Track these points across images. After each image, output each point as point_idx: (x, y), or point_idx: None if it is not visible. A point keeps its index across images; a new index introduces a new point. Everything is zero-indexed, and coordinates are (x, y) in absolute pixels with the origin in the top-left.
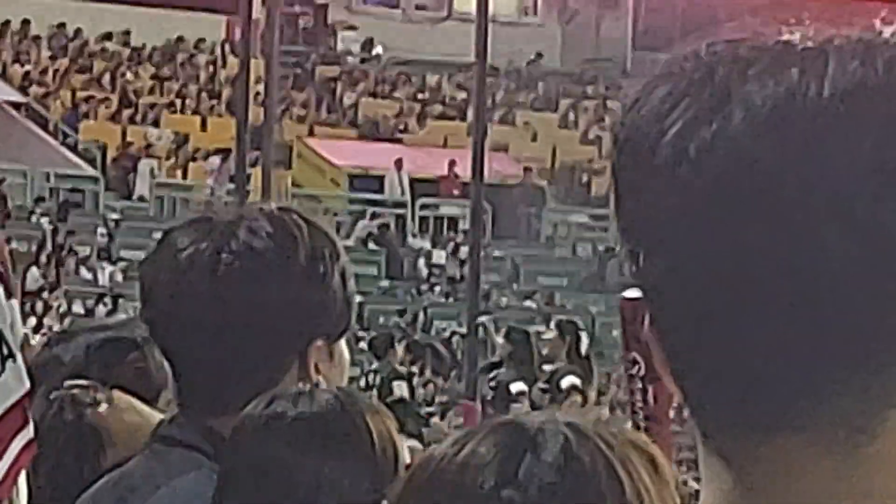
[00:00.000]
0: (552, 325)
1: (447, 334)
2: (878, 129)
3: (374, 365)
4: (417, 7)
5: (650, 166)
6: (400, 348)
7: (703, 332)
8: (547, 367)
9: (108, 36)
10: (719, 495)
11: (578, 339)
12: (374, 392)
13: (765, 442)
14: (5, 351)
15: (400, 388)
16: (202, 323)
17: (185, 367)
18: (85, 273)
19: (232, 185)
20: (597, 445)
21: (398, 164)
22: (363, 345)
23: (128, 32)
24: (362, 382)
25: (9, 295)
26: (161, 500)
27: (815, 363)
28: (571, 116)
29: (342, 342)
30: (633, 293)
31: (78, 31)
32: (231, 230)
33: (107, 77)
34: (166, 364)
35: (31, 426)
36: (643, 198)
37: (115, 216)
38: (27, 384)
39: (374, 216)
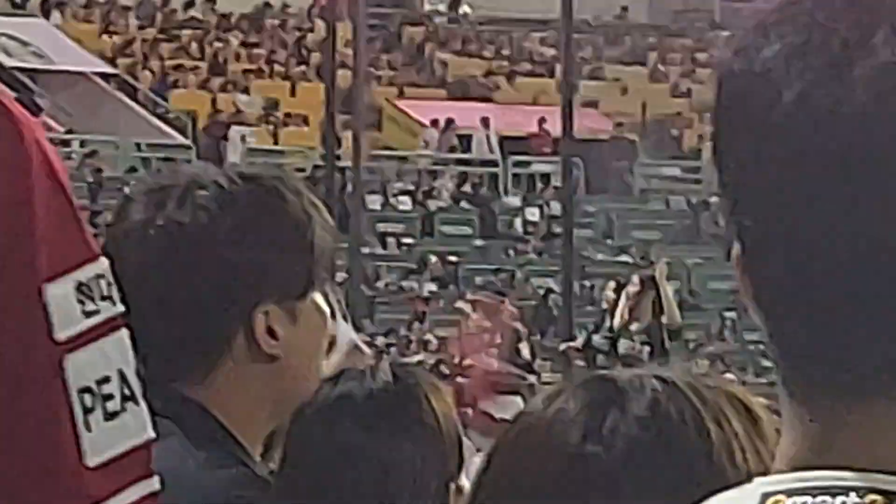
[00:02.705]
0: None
1: (542, 291)
2: None
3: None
4: None
5: (763, 128)
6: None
7: (803, 296)
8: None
9: (193, 4)
10: (800, 451)
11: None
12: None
13: (855, 406)
14: (127, 392)
15: (524, 350)
16: (152, 292)
17: (143, 336)
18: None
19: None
20: (687, 398)
21: (485, 122)
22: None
23: (214, 0)
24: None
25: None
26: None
27: None
28: (661, 69)
29: (311, 301)
30: None
31: (165, 1)
32: (180, 199)
33: (195, 45)
34: None
35: (155, 479)
36: (754, 158)
37: None
38: (151, 433)
39: (464, 176)
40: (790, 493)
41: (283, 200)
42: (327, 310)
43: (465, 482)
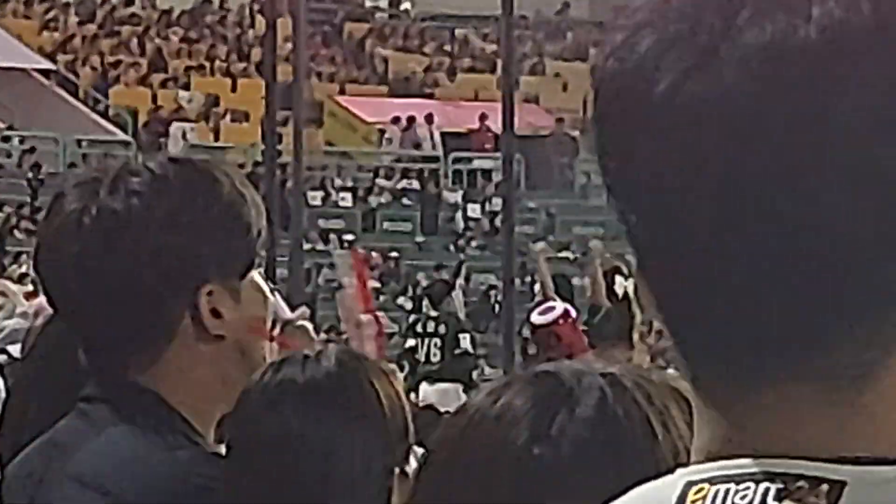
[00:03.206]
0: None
1: (484, 287)
2: (868, 71)
3: (433, 313)
4: None
5: (638, 122)
6: (457, 298)
7: (699, 287)
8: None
9: (133, 0)
10: (714, 445)
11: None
12: (438, 342)
13: (765, 392)
14: None
15: (465, 341)
16: (89, 283)
17: (83, 329)
18: None
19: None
20: (634, 398)
21: (429, 118)
22: (402, 300)
23: None
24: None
25: None
26: (89, 453)
27: (819, 312)
28: None
29: (251, 280)
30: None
31: None
32: (111, 187)
33: (135, 42)
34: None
35: None
36: (632, 154)
37: None
38: None
39: (406, 172)
40: (713, 480)
41: (216, 181)
42: (266, 288)
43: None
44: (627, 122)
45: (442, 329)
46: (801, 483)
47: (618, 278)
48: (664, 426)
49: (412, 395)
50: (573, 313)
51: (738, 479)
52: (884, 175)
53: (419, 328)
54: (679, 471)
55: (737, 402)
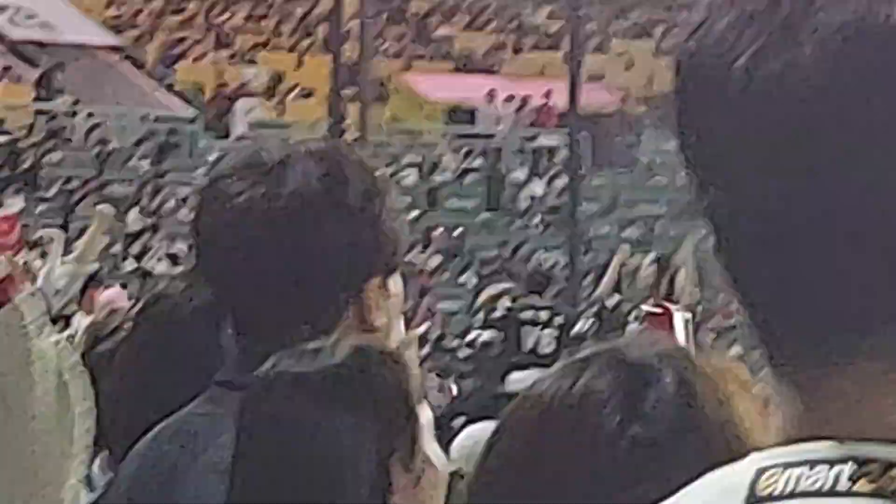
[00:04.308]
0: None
1: (548, 265)
2: None
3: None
4: None
5: (718, 98)
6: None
7: (774, 264)
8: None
9: None
10: (791, 422)
11: (674, 273)
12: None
13: (838, 371)
14: None
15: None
16: (259, 269)
17: (245, 314)
18: (184, 214)
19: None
20: (706, 376)
21: (490, 95)
22: (465, 277)
23: None
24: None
25: None
26: (221, 445)
27: (890, 292)
28: (667, 44)
29: (395, 276)
30: None
31: None
32: (281, 174)
33: (201, 18)
34: None
35: None
36: (710, 129)
37: (213, 157)
38: None
39: (470, 149)
40: (786, 465)
41: (376, 177)
42: (402, 286)
43: (426, 455)
44: (708, 97)
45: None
46: (873, 466)
47: (679, 272)
48: (736, 404)
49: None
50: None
51: (810, 463)
52: None
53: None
54: (751, 455)
55: (810, 381)
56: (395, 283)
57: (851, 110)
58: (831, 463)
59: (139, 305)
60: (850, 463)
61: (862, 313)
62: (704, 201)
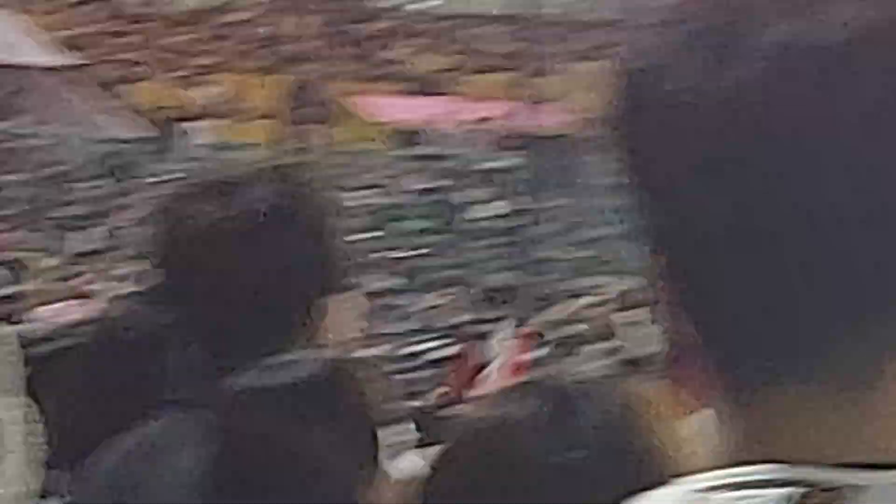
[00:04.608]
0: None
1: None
2: (890, 70)
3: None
4: None
5: (664, 119)
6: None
7: (720, 285)
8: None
9: None
10: (731, 446)
11: None
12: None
13: (779, 393)
14: None
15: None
16: (217, 288)
17: (203, 331)
18: (138, 235)
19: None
20: (633, 403)
21: (444, 117)
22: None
23: None
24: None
25: None
26: (187, 460)
27: (832, 313)
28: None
29: (352, 292)
30: None
31: None
32: (237, 193)
33: (155, 39)
34: None
35: None
36: (657, 148)
37: (166, 178)
38: None
39: (422, 171)
40: (729, 487)
41: (329, 198)
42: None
43: (390, 473)
44: (650, 117)
45: None
46: (819, 489)
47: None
48: (653, 429)
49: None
50: None
51: (754, 486)
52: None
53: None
54: (692, 477)
55: (754, 402)
56: (352, 300)
57: (800, 129)
58: (773, 486)
59: (94, 326)
60: (794, 486)
61: (807, 335)
62: (651, 222)
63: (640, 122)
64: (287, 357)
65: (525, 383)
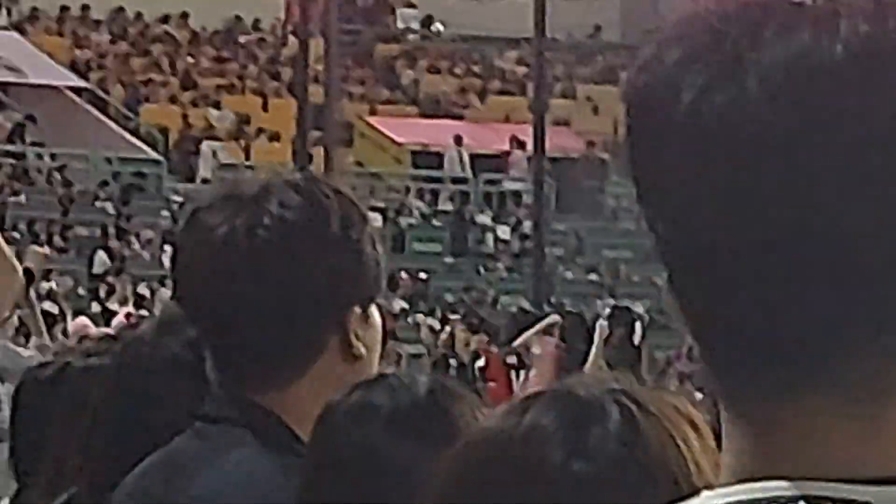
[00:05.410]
0: (605, 311)
1: (513, 310)
2: (892, 87)
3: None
4: None
5: (665, 134)
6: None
7: (725, 299)
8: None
9: (166, 19)
10: (742, 460)
11: (633, 328)
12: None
13: (788, 405)
14: None
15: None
16: (241, 300)
17: (225, 344)
18: (148, 256)
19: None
20: (653, 414)
21: (457, 140)
22: (431, 321)
23: (186, 15)
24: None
25: None
26: (209, 477)
27: (840, 324)
28: None
29: (374, 306)
30: None
31: (138, 15)
32: (261, 204)
33: (166, 60)
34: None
35: None
36: (660, 164)
37: (178, 199)
38: None
39: (436, 193)
40: None
41: (359, 208)
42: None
43: None
44: (655, 133)
45: None
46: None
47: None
48: (684, 441)
49: None
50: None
51: (763, 502)
52: None
53: None
54: (704, 493)
55: (761, 416)
56: (376, 313)
57: (796, 145)
58: (783, 502)
59: (118, 347)
60: (800, 502)
61: (811, 348)
62: (656, 238)
63: (642, 136)
64: (388, 377)
65: (543, 392)
